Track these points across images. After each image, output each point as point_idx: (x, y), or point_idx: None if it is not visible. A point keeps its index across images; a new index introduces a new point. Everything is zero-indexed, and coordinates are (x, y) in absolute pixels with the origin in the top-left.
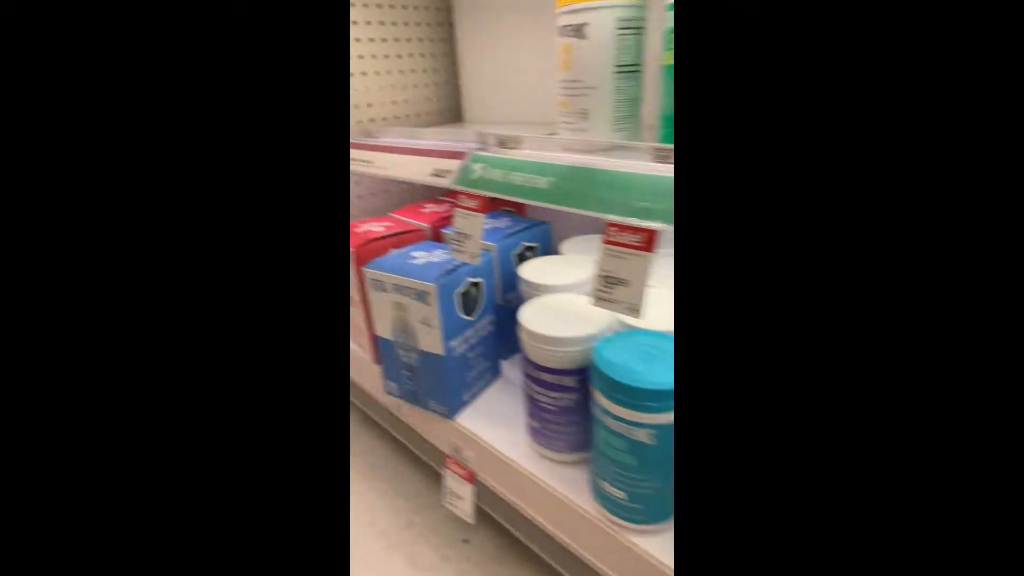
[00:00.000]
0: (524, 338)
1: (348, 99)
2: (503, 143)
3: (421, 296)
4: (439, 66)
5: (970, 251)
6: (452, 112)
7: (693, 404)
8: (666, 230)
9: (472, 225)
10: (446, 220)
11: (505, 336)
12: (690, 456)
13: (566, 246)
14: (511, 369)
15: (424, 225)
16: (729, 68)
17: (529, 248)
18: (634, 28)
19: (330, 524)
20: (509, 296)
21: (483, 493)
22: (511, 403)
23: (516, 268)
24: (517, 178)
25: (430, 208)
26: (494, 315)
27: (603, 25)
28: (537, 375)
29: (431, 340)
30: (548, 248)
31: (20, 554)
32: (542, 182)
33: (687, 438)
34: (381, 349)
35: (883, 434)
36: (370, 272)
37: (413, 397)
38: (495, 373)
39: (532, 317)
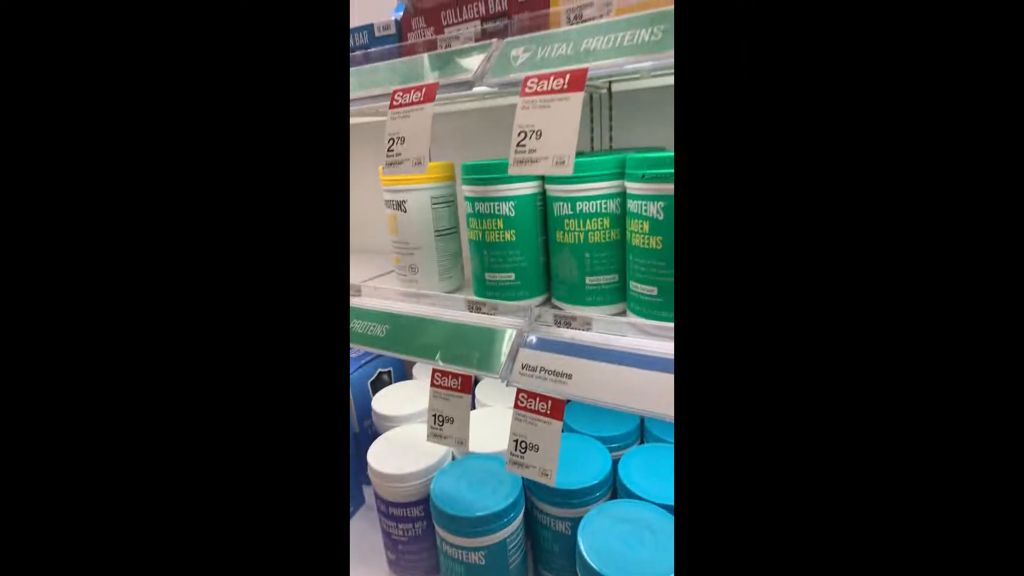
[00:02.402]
0: (371, 476)
1: (347, 102)
2: None
3: None
4: None
5: (969, 247)
6: None
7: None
8: (477, 375)
9: None
10: None
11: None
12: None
13: (419, 369)
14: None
15: None
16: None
17: (385, 372)
18: (446, 202)
19: (329, 526)
20: (367, 423)
21: None
22: (374, 533)
23: (371, 396)
24: (358, 326)
25: None
26: (353, 444)
27: (420, 201)
28: (387, 510)
29: None
30: (402, 371)
31: (20, 554)
32: (379, 330)
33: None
34: None
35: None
36: None
37: None
38: (359, 502)
39: (378, 454)
